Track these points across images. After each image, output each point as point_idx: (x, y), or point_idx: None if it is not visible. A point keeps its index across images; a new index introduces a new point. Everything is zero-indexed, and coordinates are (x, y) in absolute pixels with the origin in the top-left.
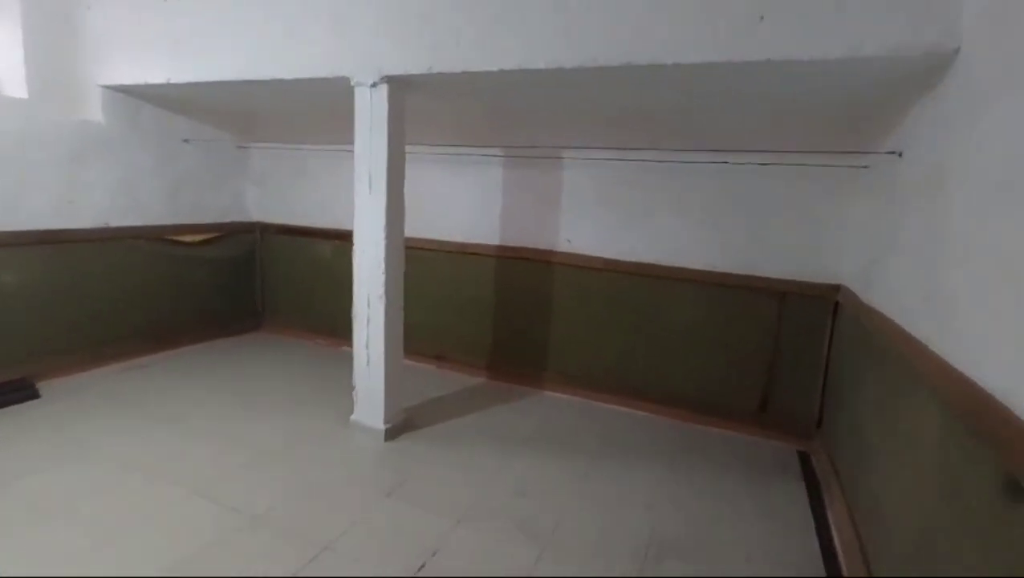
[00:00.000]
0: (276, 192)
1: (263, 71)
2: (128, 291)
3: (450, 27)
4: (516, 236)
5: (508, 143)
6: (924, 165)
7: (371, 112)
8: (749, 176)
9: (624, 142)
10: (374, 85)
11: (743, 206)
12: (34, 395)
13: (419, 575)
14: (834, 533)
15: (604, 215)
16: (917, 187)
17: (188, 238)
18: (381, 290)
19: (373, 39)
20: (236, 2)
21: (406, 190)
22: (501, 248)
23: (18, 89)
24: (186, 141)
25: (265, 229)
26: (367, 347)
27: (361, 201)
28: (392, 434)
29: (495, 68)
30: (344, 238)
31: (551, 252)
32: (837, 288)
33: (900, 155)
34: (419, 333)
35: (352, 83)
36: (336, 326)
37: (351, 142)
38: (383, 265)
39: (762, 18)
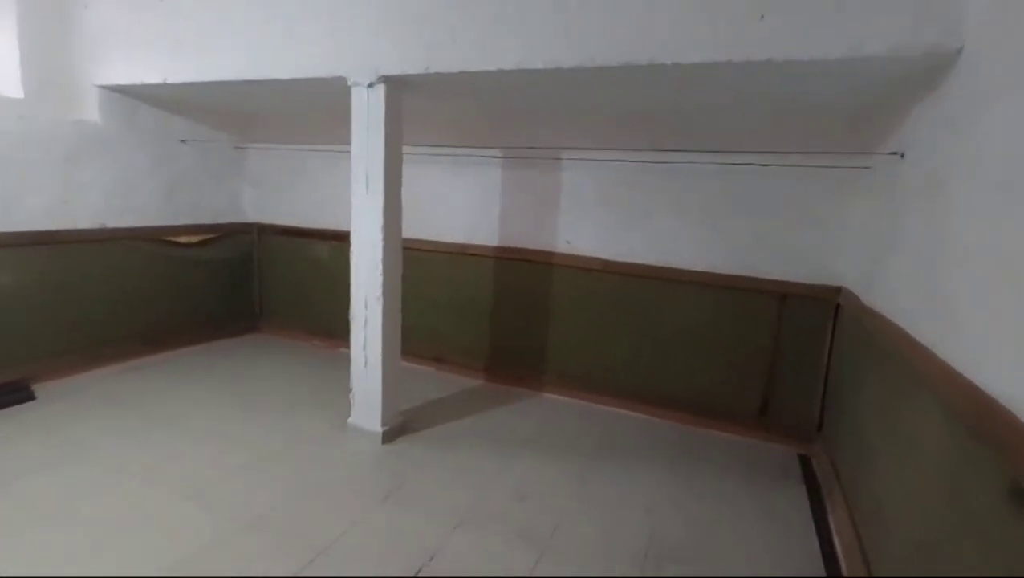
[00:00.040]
0: (274, 193)
1: (260, 71)
2: (125, 292)
3: (448, 27)
4: (515, 237)
5: (507, 144)
6: (926, 166)
7: (368, 112)
8: (749, 177)
9: (624, 142)
10: (371, 85)
11: (743, 207)
12: (30, 397)
13: None
14: (835, 537)
15: (604, 216)
16: (919, 188)
17: (185, 239)
18: (378, 292)
19: (370, 39)
20: (233, 2)
21: (404, 191)
22: (500, 249)
23: (14, 89)
24: (183, 141)
25: (263, 230)
26: (364, 349)
27: (358, 202)
28: (389, 437)
29: (493, 68)
30: (342, 239)
31: (550, 253)
32: (838, 290)
33: (902, 156)
34: (417, 335)
35: (349, 83)
36: (334, 327)
37: (349, 142)
38: (380, 266)
39: (762, 17)
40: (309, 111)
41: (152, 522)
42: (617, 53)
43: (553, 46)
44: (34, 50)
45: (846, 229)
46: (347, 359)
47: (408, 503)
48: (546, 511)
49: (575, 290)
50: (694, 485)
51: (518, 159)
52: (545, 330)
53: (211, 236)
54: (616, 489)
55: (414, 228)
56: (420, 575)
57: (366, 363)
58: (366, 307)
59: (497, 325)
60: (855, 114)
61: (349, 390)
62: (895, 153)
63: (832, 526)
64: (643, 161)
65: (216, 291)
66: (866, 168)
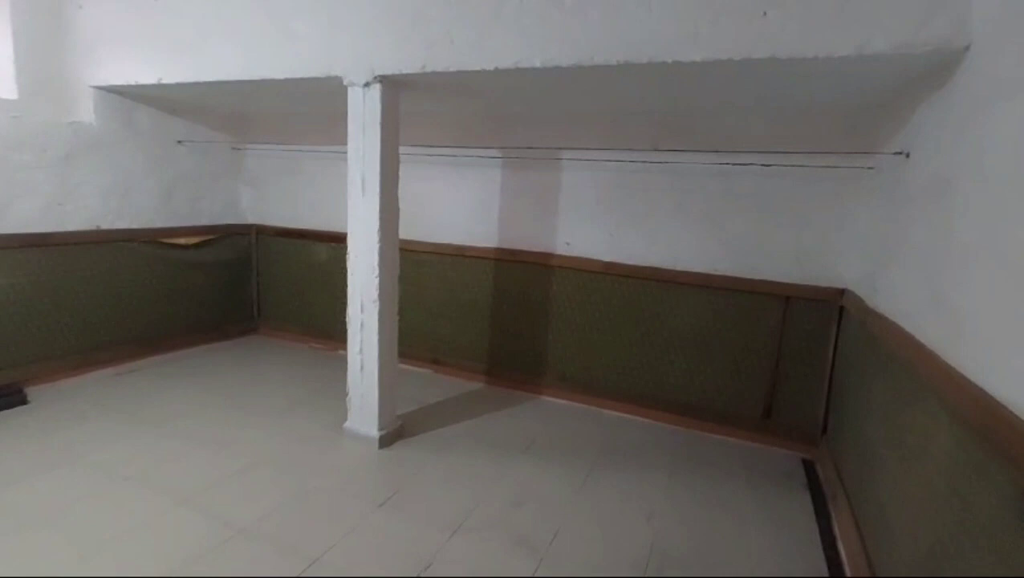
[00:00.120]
0: (272, 194)
1: (255, 71)
2: (121, 295)
3: (444, 25)
4: (514, 239)
5: (506, 144)
6: (931, 166)
7: (364, 112)
8: (751, 177)
9: (624, 143)
10: (367, 85)
11: (745, 208)
12: (22, 401)
13: None
14: (840, 545)
15: (604, 217)
16: (924, 188)
17: (182, 241)
18: (375, 294)
19: (366, 38)
20: (228, 1)
21: (402, 192)
22: (499, 251)
23: (8, 90)
24: (180, 143)
25: (261, 231)
26: (361, 352)
27: (354, 203)
28: (386, 441)
29: (490, 67)
30: (340, 240)
31: (550, 255)
32: (841, 292)
33: (907, 156)
34: (416, 337)
35: (344, 83)
36: (332, 329)
37: (347, 143)
38: (377, 269)
39: (765, 13)
40: (307, 112)
41: (144, 528)
42: (616, 52)
43: (551, 45)
44: (28, 50)
45: (849, 230)
46: (345, 361)
47: (405, 509)
48: (545, 518)
49: (575, 292)
50: (696, 491)
51: (517, 160)
52: (545, 332)
53: (208, 238)
54: (617, 495)
55: (412, 230)
56: None
57: (362, 367)
58: (362, 310)
59: (496, 327)
60: (859, 113)
61: (346, 394)
62: (900, 153)
63: (837, 533)
64: (643, 161)
65: (214, 293)
66: (870, 168)
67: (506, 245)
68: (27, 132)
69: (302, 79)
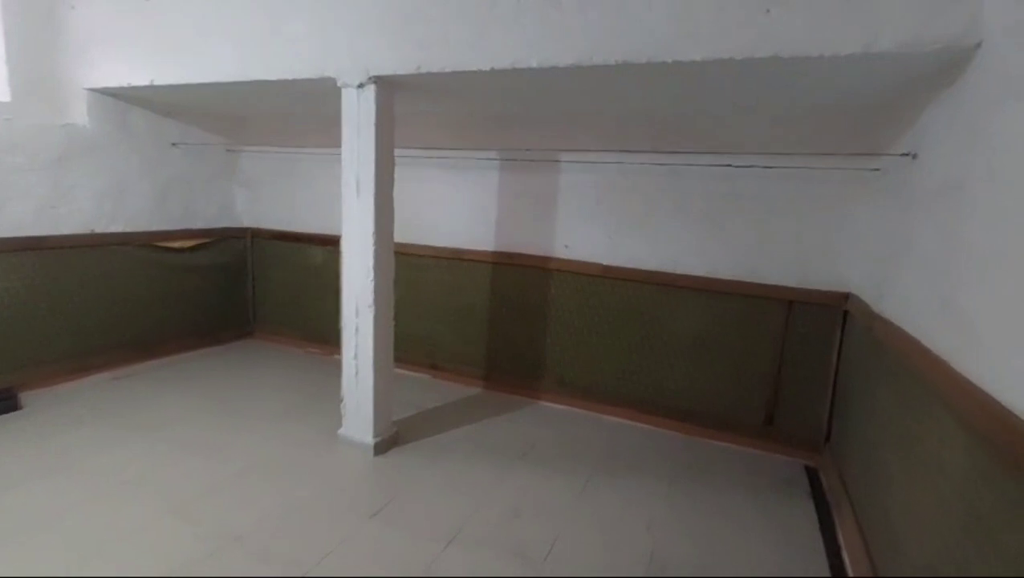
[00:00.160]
0: (267, 197)
1: (247, 72)
2: (115, 299)
3: (440, 25)
4: (513, 242)
5: (503, 146)
6: (941, 168)
7: (358, 114)
8: (754, 179)
9: (623, 144)
10: (361, 86)
11: (747, 210)
12: (16, 406)
13: None
14: (844, 554)
15: (603, 220)
16: (932, 191)
17: (177, 244)
18: (370, 299)
19: (360, 38)
20: (221, 2)
21: (398, 195)
22: (497, 254)
23: (0, 92)
24: (175, 145)
25: (256, 234)
26: (356, 358)
27: (348, 206)
28: (381, 448)
29: (487, 67)
30: (337, 244)
31: (548, 258)
32: (846, 296)
33: (914, 157)
34: (413, 341)
35: (338, 84)
36: (328, 334)
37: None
38: (372, 273)
39: (768, 11)
40: (302, 113)
41: (133, 538)
42: (615, 51)
43: (548, 44)
44: (20, 52)
45: (854, 233)
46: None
47: (399, 519)
48: (543, 527)
49: (574, 295)
50: (697, 499)
51: (515, 161)
52: (543, 337)
53: (204, 241)
54: (616, 504)
55: (409, 233)
56: None
57: (357, 372)
58: (357, 315)
59: (494, 332)
60: (864, 113)
61: (340, 400)
62: (907, 154)
63: (841, 541)
64: (643, 163)
65: (209, 297)
66: (875, 170)
67: (504, 248)
68: (19, 134)
69: (295, 80)
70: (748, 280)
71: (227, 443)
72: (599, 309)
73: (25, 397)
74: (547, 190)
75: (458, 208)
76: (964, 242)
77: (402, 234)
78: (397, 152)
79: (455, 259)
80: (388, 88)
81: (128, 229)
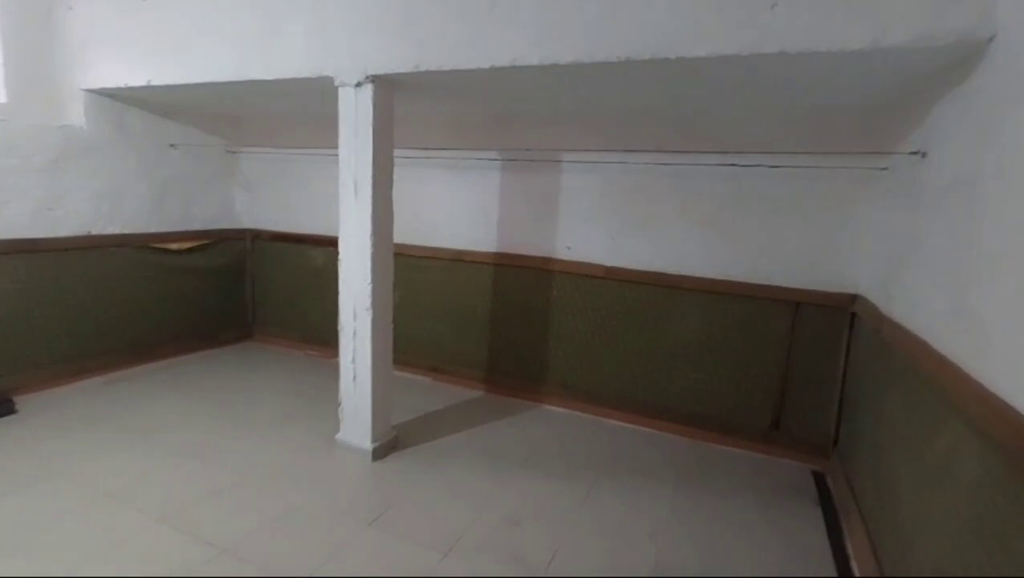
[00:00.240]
0: (267, 198)
1: (244, 72)
2: (113, 301)
3: (438, 22)
4: (514, 243)
5: (504, 146)
6: (951, 166)
7: (356, 113)
8: (759, 178)
9: (626, 144)
10: (358, 85)
11: (753, 210)
12: (10, 410)
13: None
14: (854, 564)
15: (606, 220)
16: (943, 190)
17: (176, 246)
18: (368, 302)
19: (357, 37)
20: (217, 2)
21: (398, 196)
22: (499, 255)
23: None
24: (173, 146)
25: (256, 236)
26: (353, 362)
27: (346, 208)
28: (380, 454)
29: (486, 65)
30: (337, 245)
31: (550, 260)
32: (854, 298)
33: (923, 155)
34: (413, 344)
35: (335, 83)
36: (328, 336)
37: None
38: (370, 275)
39: (774, 5)
40: (302, 113)
41: (122, 547)
42: (617, 48)
43: (549, 42)
44: (17, 53)
45: (862, 234)
46: None
47: (396, 527)
48: (543, 536)
49: (576, 297)
50: (702, 506)
51: (516, 162)
52: (545, 339)
53: (202, 243)
54: (619, 511)
55: (409, 234)
56: None
57: (355, 377)
58: (355, 318)
59: (496, 334)
60: (872, 110)
61: (338, 404)
62: (916, 153)
63: (850, 551)
64: (646, 163)
65: (208, 299)
66: (883, 169)
67: (505, 249)
68: (15, 136)
69: (293, 80)
70: (754, 281)
71: (224, 447)
72: (602, 311)
73: (20, 401)
74: (548, 190)
75: (459, 209)
76: (975, 241)
77: (402, 235)
78: (397, 152)
79: (456, 260)
80: (386, 87)
81: (126, 231)
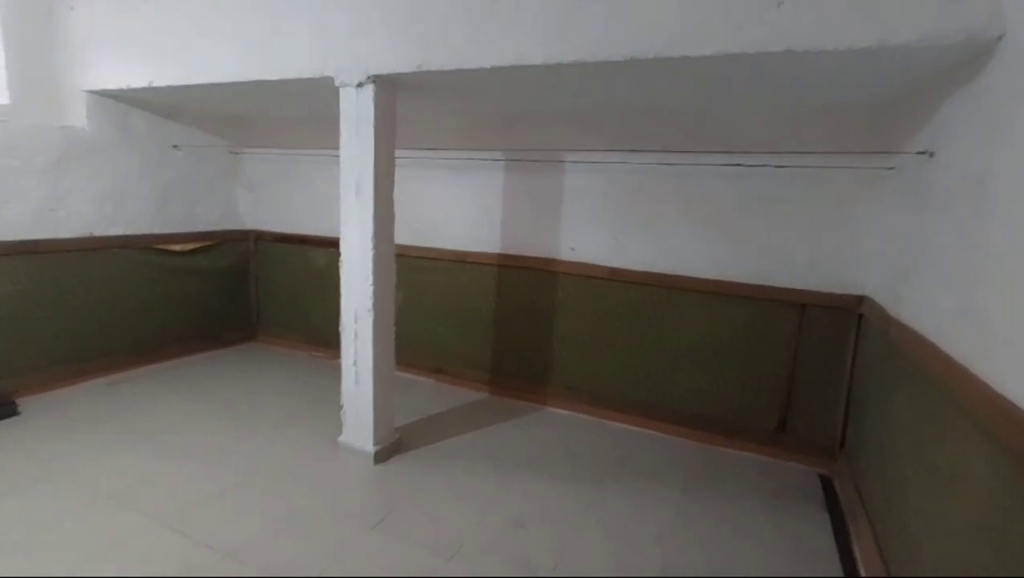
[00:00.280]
0: (270, 199)
1: (245, 72)
2: (116, 302)
3: (441, 22)
4: (517, 244)
5: (507, 147)
6: (959, 166)
7: (357, 113)
8: (764, 179)
9: (630, 144)
10: (360, 85)
11: (758, 211)
12: (13, 412)
13: None
14: (861, 569)
15: (610, 221)
16: (951, 190)
17: (178, 247)
18: (370, 303)
19: (358, 37)
20: (219, 2)
21: (400, 197)
22: (502, 257)
23: None
24: (176, 147)
25: (259, 237)
26: (355, 364)
27: (347, 209)
28: (382, 456)
29: (489, 65)
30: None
31: (554, 261)
32: (860, 299)
33: (931, 155)
34: (416, 345)
35: (336, 83)
36: (332, 337)
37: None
38: (371, 276)
39: (780, 3)
40: (305, 114)
41: (123, 548)
42: (621, 47)
43: (552, 41)
44: (19, 54)
45: (869, 234)
46: None
47: (399, 531)
48: (548, 539)
49: (580, 299)
50: (708, 509)
51: (519, 162)
52: (549, 340)
53: (205, 244)
54: (624, 514)
55: (411, 235)
56: None
57: (357, 379)
58: (356, 320)
59: (499, 335)
60: (879, 110)
61: (341, 406)
62: (923, 152)
63: (857, 555)
64: (650, 163)
65: (211, 300)
66: (890, 169)
67: (509, 250)
68: (16, 137)
69: (295, 80)
70: (759, 283)
71: (226, 449)
72: (606, 312)
73: (23, 403)
74: (551, 191)
75: (462, 209)
76: (984, 242)
77: (405, 236)
78: (399, 153)
79: (459, 261)
80: (388, 87)
81: (128, 232)
